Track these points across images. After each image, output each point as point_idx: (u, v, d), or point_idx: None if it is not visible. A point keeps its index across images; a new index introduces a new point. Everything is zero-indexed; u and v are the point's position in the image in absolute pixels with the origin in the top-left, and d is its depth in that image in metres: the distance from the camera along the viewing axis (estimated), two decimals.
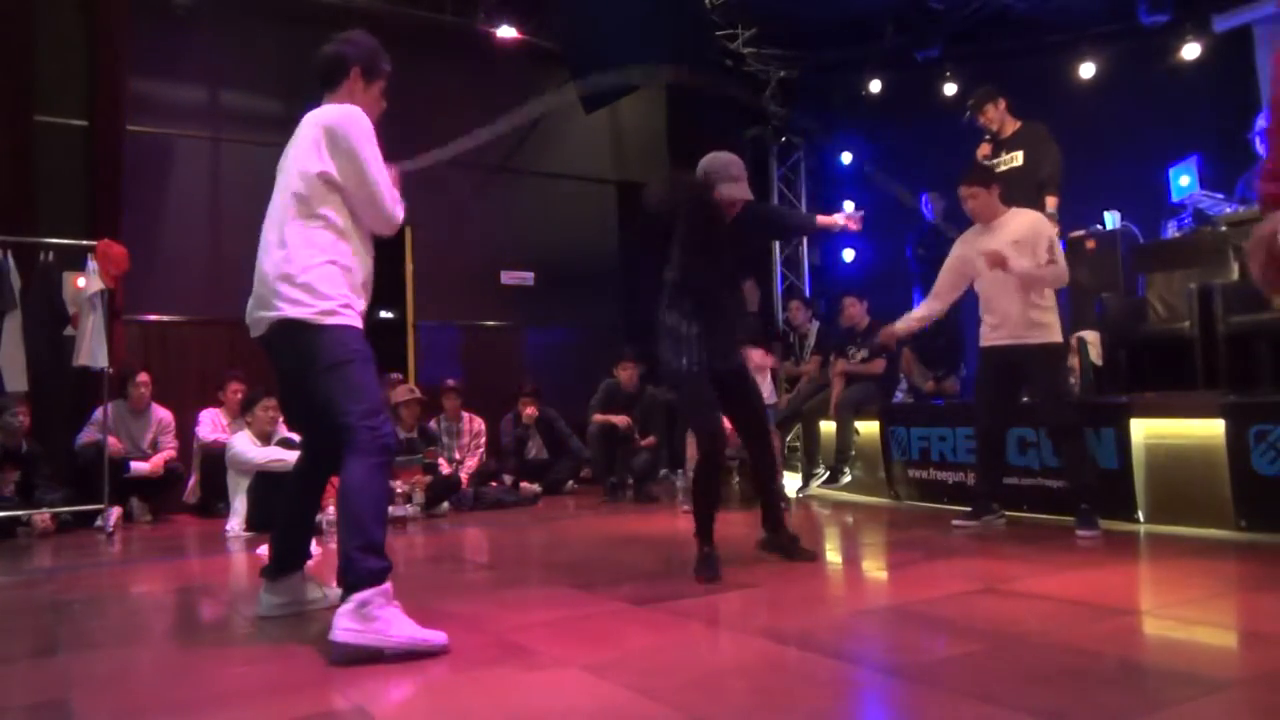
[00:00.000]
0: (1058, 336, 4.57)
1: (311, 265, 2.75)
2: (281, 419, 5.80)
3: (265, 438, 5.76)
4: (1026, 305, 4.50)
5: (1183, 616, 2.90)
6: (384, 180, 2.83)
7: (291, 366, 2.84)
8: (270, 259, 2.80)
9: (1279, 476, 4.01)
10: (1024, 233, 4.52)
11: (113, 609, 3.56)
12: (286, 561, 3.12)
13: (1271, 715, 1.97)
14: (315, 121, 2.86)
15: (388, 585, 2.56)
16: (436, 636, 2.56)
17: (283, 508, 3.16)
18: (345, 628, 2.49)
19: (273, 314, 2.76)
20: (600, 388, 7.21)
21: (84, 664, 2.65)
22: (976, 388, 4.91)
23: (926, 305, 4.97)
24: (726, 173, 3.85)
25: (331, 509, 4.95)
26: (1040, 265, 4.45)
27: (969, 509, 4.78)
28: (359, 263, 2.87)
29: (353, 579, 2.54)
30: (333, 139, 2.79)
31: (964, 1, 8.11)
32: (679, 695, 2.15)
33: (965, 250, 4.76)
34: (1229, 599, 3.19)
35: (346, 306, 2.79)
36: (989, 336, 4.68)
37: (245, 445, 5.67)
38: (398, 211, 2.88)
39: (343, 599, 2.55)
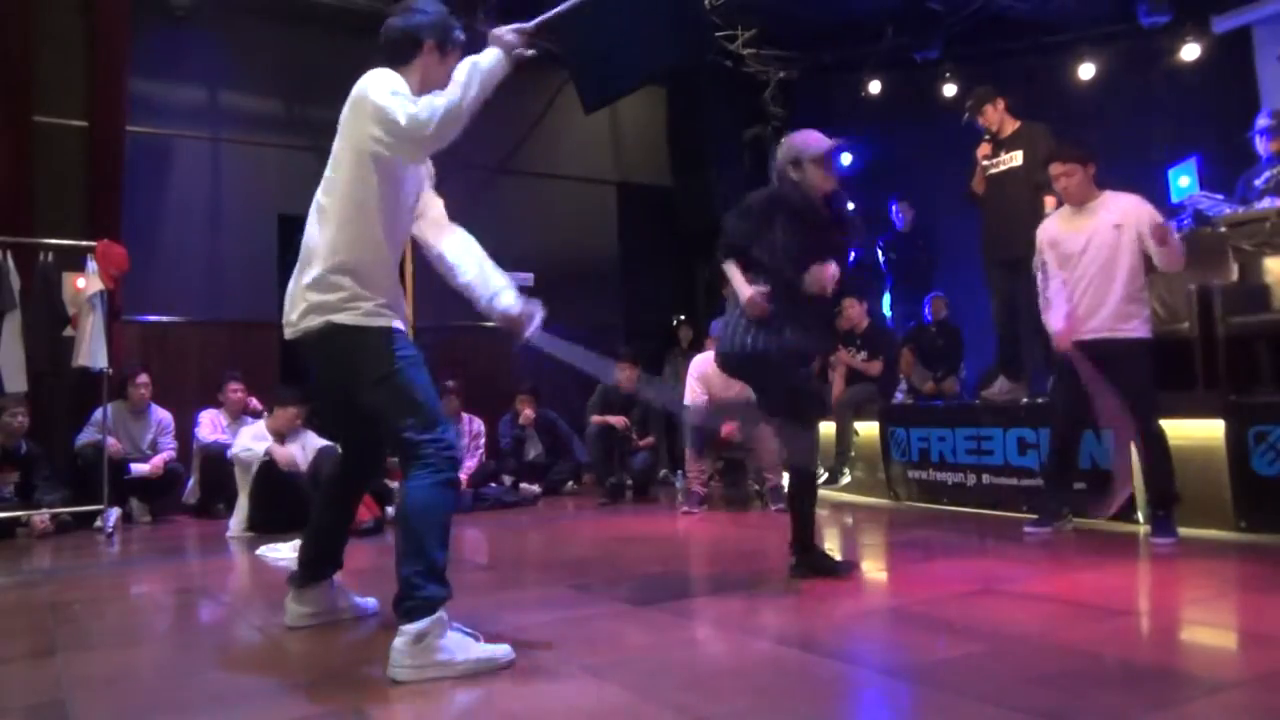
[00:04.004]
0: (1149, 331, 4.26)
1: (346, 263, 2.54)
2: (300, 422, 5.76)
3: (280, 436, 5.70)
4: (1122, 295, 4.16)
5: (1183, 617, 2.90)
6: (402, 99, 2.46)
7: (332, 374, 2.66)
8: (305, 257, 2.62)
9: (1279, 477, 4.01)
10: (1127, 214, 4.18)
11: (112, 610, 3.56)
12: (315, 570, 2.95)
13: (1272, 716, 1.97)
14: (355, 89, 2.59)
15: (443, 612, 2.40)
16: (500, 651, 2.43)
17: (314, 515, 2.99)
18: (404, 666, 2.32)
19: (307, 318, 2.58)
20: (598, 389, 7.20)
21: (83, 665, 2.65)
22: (1056, 385, 4.59)
23: (1056, 289, 4.39)
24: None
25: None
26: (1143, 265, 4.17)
27: (1036, 515, 4.51)
28: (393, 261, 2.66)
29: (410, 606, 2.36)
30: (357, 103, 2.53)
31: (963, 2, 8.12)
32: (678, 696, 2.15)
33: (1054, 235, 4.38)
34: (1229, 600, 3.19)
35: (386, 306, 2.58)
36: (1076, 329, 4.28)
37: (244, 440, 5.69)
38: (421, 115, 2.41)
39: (398, 624, 2.37)
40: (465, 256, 2.93)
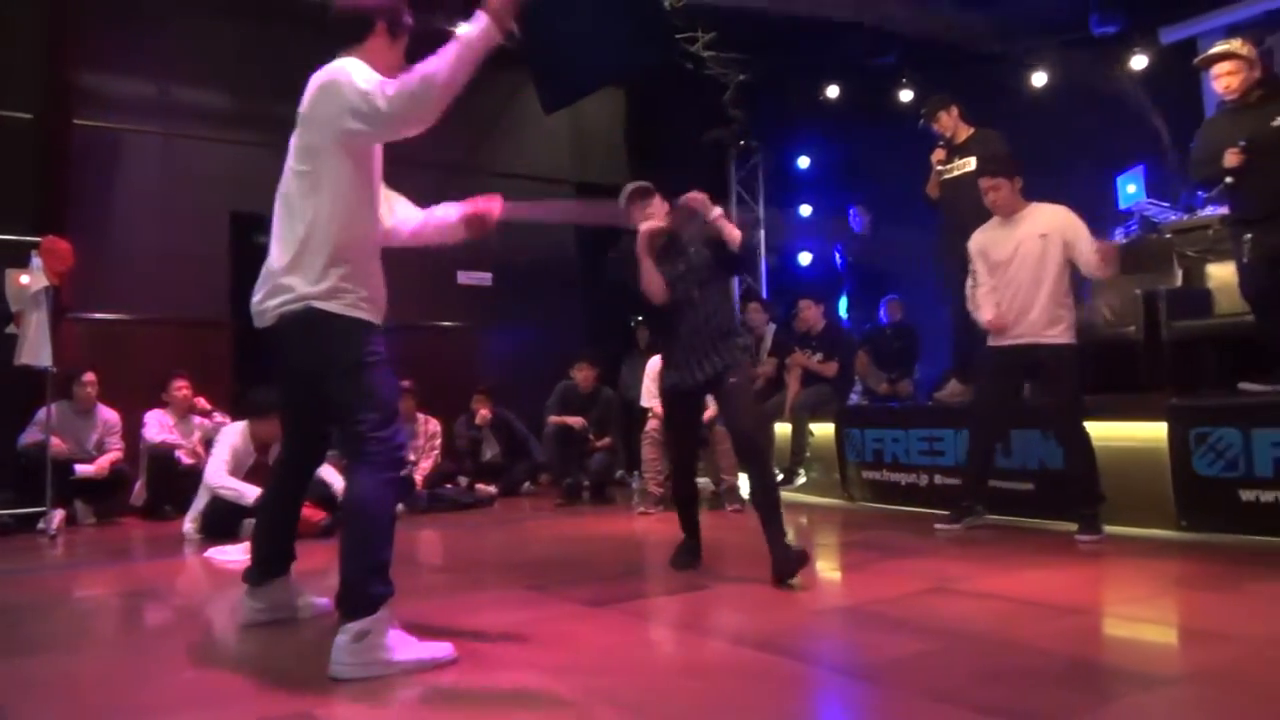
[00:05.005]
0: (1074, 337, 4.43)
1: (329, 252, 2.52)
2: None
3: (265, 446, 5.38)
4: (1048, 302, 4.35)
5: (1127, 615, 2.97)
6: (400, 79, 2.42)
7: (302, 361, 2.62)
8: (283, 245, 2.57)
9: (1218, 478, 4.12)
10: (1050, 227, 4.36)
11: (56, 614, 3.47)
12: (270, 567, 2.92)
13: (1210, 708, 2.03)
14: (320, 76, 2.57)
15: (386, 611, 2.40)
16: (441, 650, 2.44)
17: (263, 512, 2.97)
18: (345, 663, 2.33)
19: (287, 305, 2.54)
20: (556, 389, 7.19)
21: (25, 670, 2.58)
22: (982, 387, 4.74)
23: (985, 293, 4.59)
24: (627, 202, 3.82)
25: None
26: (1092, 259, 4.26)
27: (949, 512, 4.68)
28: (373, 250, 2.66)
29: (353, 604, 2.37)
30: (328, 90, 2.50)
31: (920, 9, 8.22)
32: (635, 697, 2.15)
33: (984, 244, 4.58)
34: (1171, 597, 3.27)
35: (366, 300, 2.57)
36: (1000, 336, 4.50)
37: (218, 461, 5.26)
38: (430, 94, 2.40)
39: (340, 623, 2.37)
40: (412, 209, 3.07)
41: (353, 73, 2.48)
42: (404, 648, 2.40)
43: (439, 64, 2.40)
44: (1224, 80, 4.34)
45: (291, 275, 2.54)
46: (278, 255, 2.60)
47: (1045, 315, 4.37)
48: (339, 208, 2.55)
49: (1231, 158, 4.21)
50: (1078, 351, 4.43)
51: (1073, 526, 4.31)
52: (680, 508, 4.00)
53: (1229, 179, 4.30)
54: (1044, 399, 4.56)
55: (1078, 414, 4.39)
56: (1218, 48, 4.40)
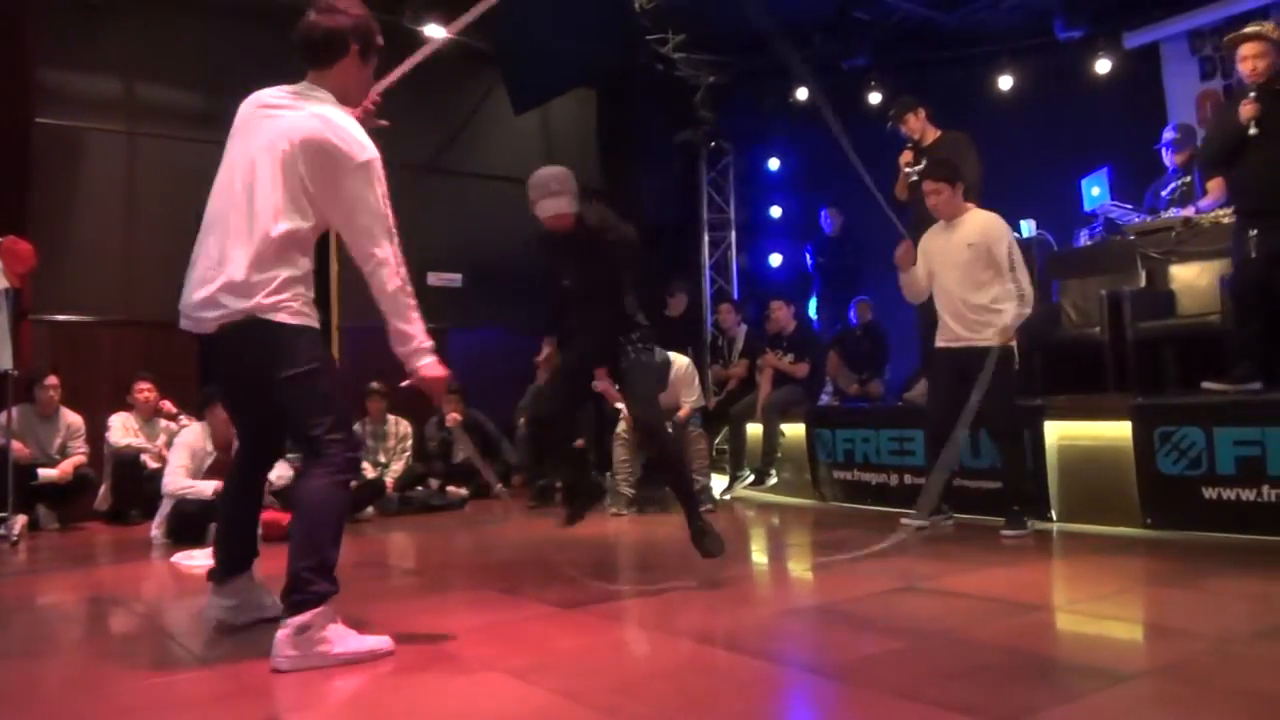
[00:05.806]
0: (1008, 339, 4.51)
1: (277, 261, 2.53)
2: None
3: (227, 445, 5.26)
4: (976, 307, 4.49)
5: (1093, 611, 3.01)
6: (386, 220, 2.69)
7: (245, 368, 2.63)
8: (226, 249, 2.54)
9: (1182, 476, 4.19)
10: (977, 235, 4.48)
11: (17, 620, 3.41)
12: (232, 563, 2.94)
13: (1173, 704, 2.06)
14: (321, 125, 2.57)
15: (329, 606, 2.46)
16: (380, 643, 2.52)
17: (223, 508, 3.00)
18: (286, 656, 2.38)
19: (228, 311, 2.53)
20: (529, 390, 7.16)
21: None
22: (932, 388, 4.87)
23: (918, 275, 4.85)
24: (545, 189, 3.83)
25: None
26: (1004, 279, 4.39)
27: (915, 511, 4.68)
28: (312, 269, 2.68)
29: (298, 599, 2.42)
30: (337, 160, 2.56)
31: (889, 12, 8.29)
32: (605, 698, 2.15)
33: (927, 246, 4.74)
34: (1136, 594, 3.32)
35: (309, 306, 2.60)
36: (942, 338, 4.64)
37: (175, 466, 5.22)
38: (383, 250, 2.69)
39: (283, 617, 2.43)
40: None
41: (373, 179, 2.65)
42: (343, 640, 2.47)
43: (405, 304, 2.76)
44: (1251, 62, 4.36)
45: (231, 286, 2.52)
46: (223, 257, 2.56)
47: (974, 319, 4.49)
48: (290, 226, 2.57)
49: (1247, 108, 4.23)
50: (1009, 353, 4.50)
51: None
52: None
53: (1252, 130, 4.24)
54: (978, 399, 4.63)
55: (1009, 412, 4.51)
56: (1249, 28, 4.43)
